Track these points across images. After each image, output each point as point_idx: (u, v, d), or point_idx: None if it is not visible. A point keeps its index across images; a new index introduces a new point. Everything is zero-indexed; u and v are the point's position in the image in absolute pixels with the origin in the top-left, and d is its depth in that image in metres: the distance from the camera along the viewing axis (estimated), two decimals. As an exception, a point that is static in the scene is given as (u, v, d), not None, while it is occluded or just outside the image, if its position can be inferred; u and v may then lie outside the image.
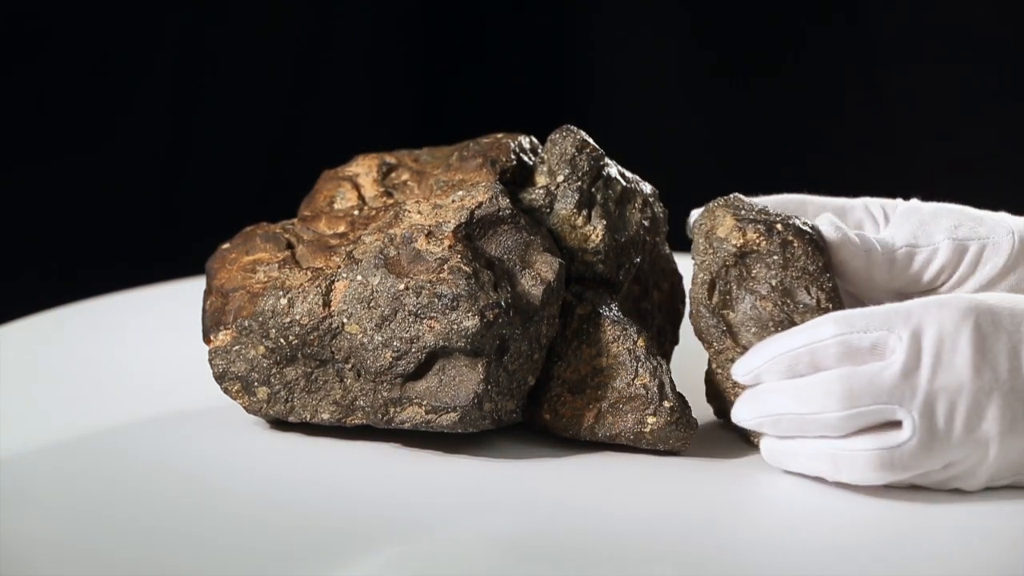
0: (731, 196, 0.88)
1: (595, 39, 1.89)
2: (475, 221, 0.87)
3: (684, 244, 0.93)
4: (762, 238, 0.86)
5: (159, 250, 1.73)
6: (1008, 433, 0.79)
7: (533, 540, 0.77)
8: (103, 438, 0.88)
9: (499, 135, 0.93)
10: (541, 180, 0.91)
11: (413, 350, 0.85)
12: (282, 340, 0.87)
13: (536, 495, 0.82)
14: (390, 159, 0.94)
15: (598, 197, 0.90)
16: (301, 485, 0.82)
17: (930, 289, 0.88)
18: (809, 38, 1.83)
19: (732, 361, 0.86)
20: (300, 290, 0.87)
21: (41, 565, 0.73)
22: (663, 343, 0.96)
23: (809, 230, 0.87)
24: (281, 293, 0.87)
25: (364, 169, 0.93)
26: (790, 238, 0.86)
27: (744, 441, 0.89)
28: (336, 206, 0.92)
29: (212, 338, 0.88)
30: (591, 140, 0.91)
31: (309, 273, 0.88)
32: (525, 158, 0.91)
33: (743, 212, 0.87)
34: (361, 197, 0.92)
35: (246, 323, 0.87)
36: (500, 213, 0.87)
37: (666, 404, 0.86)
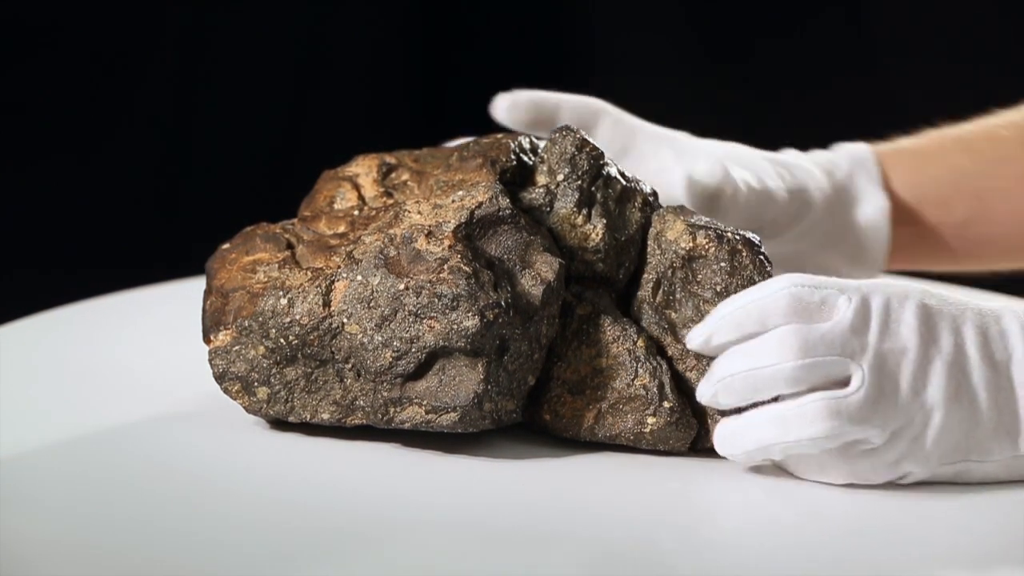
0: (680, 205, 0.90)
1: (595, 39, 1.89)
2: (475, 221, 0.87)
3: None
4: (712, 244, 0.88)
5: (159, 250, 1.73)
6: (952, 402, 0.80)
7: (533, 540, 0.77)
8: (103, 438, 0.88)
9: (499, 135, 0.92)
10: (541, 180, 0.91)
11: (413, 350, 0.85)
12: (282, 340, 0.87)
13: (536, 495, 0.82)
14: (390, 159, 0.93)
15: (598, 196, 0.90)
16: (301, 485, 0.82)
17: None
18: (809, 34, 1.83)
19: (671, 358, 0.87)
20: (300, 290, 0.87)
21: (41, 565, 0.73)
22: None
23: (758, 243, 0.88)
24: (281, 293, 0.87)
25: (364, 169, 0.93)
26: (739, 247, 0.88)
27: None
28: (336, 206, 0.92)
29: (212, 338, 0.88)
30: (591, 139, 0.91)
31: (309, 273, 0.88)
32: (525, 158, 0.91)
33: (694, 219, 0.89)
34: (361, 197, 0.92)
35: (246, 323, 0.87)
36: (500, 213, 0.87)
37: (666, 404, 0.86)
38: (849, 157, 1.08)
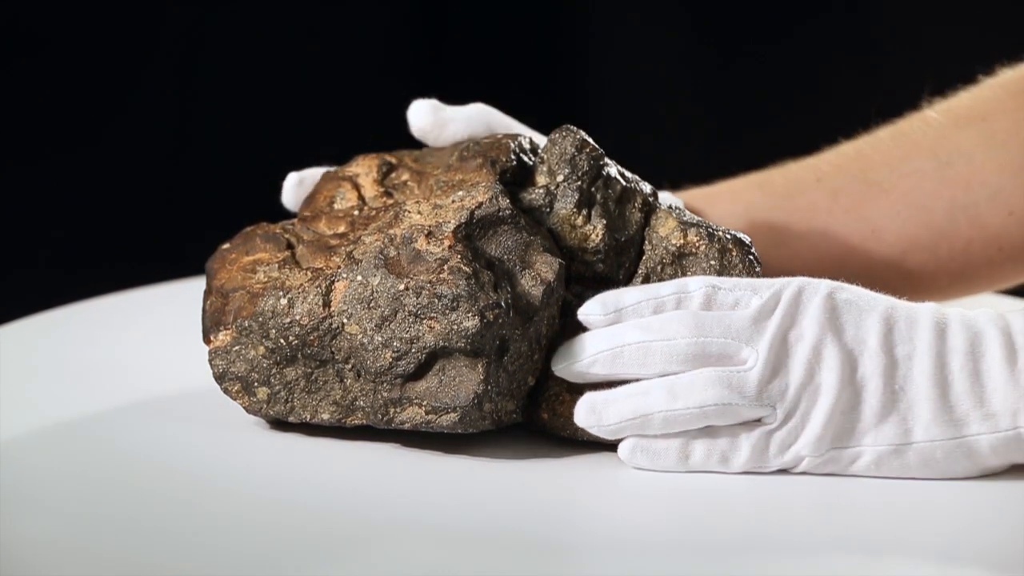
0: (672, 205, 0.91)
1: (595, 39, 1.89)
2: (475, 221, 0.87)
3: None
4: (703, 241, 0.88)
5: (159, 250, 1.73)
6: (847, 386, 0.82)
7: (533, 540, 0.77)
8: (102, 438, 0.88)
9: (499, 135, 0.93)
10: (541, 180, 0.91)
11: (413, 350, 0.85)
12: (282, 340, 0.87)
13: (536, 495, 0.82)
14: (390, 159, 0.94)
15: (598, 197, 0.90)
16: (301, 485, 0.82)
17: None
18: (809, 30, 1.83)
19: None
20: (300, 290, 0.87)
21: (40, 565, 0.73)
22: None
23: (748, 243, 0.89)
24: (281, 293, 0.87)
25: (364, 169, 0.93)
26: (730, 246, 0.88)
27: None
28: (336, 206, 0.92)
29: (212, 338, 0.88)
30: (591, 140, 0.91)
31: (309, 273, 0.88)
32: (525, 158, 0.91)
33: (686, 217, 0.89)
34: (361, 197, 0.92)
35: (246, 323, 0.87)
36: (500, 213, 0.87)
37: (666, 404, 0.86)
38: None
